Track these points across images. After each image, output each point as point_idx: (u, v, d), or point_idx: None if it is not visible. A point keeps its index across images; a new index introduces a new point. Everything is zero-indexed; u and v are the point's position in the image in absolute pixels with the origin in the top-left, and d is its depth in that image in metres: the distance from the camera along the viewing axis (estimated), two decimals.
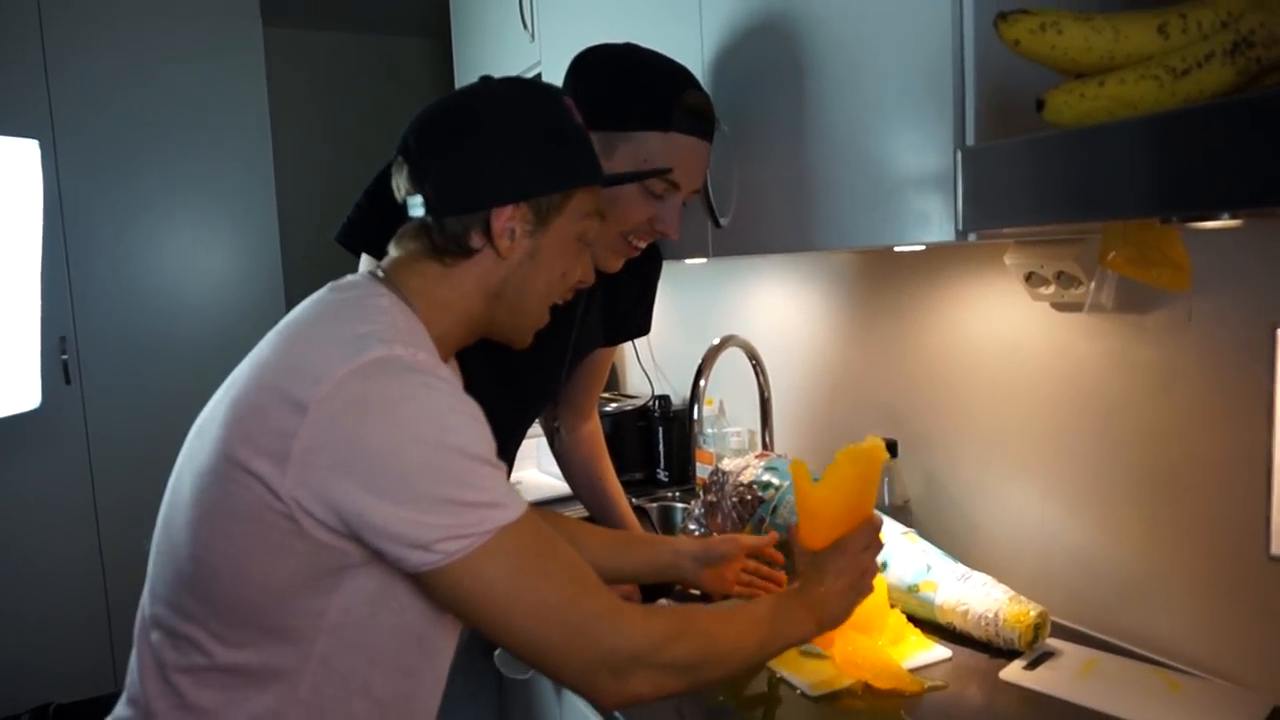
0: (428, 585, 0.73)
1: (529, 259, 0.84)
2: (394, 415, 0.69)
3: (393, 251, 0.86)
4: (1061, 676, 1.01)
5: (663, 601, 1.28)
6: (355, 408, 0.69)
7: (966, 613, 1.09)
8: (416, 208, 0.82)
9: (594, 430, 1.51)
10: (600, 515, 1.47)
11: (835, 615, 0.91)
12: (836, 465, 0.93)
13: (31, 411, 1.71)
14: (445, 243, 0.82)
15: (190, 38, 2.80)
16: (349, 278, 0.85)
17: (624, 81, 1.10)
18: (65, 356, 2.65)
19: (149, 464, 2.78)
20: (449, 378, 0.74)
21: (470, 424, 0.73)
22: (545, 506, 1.57)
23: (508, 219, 0.82)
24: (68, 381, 2.66)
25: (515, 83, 0.87)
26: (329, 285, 0.84)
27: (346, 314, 0.77)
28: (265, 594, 0.73)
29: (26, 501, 2.63)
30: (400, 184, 0.84)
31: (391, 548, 0.70)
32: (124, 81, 2.71)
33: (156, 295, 2.79)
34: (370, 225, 1.12)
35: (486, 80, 0.87)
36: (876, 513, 0.96)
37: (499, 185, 0.81)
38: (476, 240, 0.82)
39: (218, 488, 0.73)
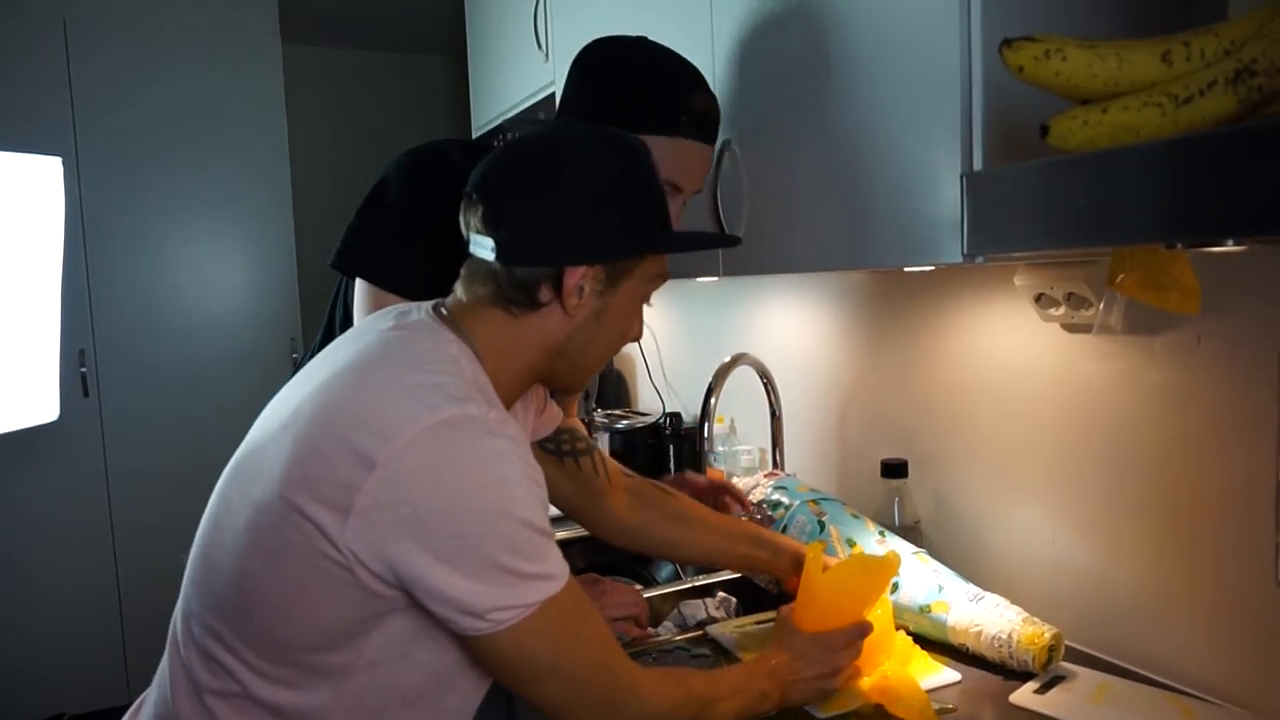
0: (470, 646, 0.74)
1: (594, 318, 0.83)
2: (462, 480, 0.69)
3: (459, 292, 0.85)
4: (1074, 701, 1.00)
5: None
6: (424, 469, 0.68)
7: (979, 634, 1.08)
8: (485, 250, 0.80)
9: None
10: None
11: (796, 700, 0.96)
12: (848, 563, 1.01)
13: (50, 423, 1.74)
14: (513, 292, 0.81)
15: (211, 56, 2.85)
16: (414, 314, 0.84)
17: (632, 85, 1.10)
18: (84, 369, 2.69)
19: (165, 476, 2.81)
20: (518, 437, 0.74)
21: (534, 492, 0.73)
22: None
23: (580, 277, 0.80)
24: (86, 394, 2.69)
25: (604, 136, 0.84)
26: (395, 316, 0.83)
27: (416, 360, 0.76)
28: (307, 633, 0.73)
29: (43, 512, 2.66)
30: (471, 221, 0.82)
31: (443, 609, 0.71)
32: (145, 99, 2.76)
33: (174, 309, 2.83)
34: (364, 248, 1.11)
35: (572, 125, 0.86)
36: (869, 620, 1.01)
37: (575, 243, 0.80)
38: (545, 294, 0.81)
39: (272, 526, 0.72)
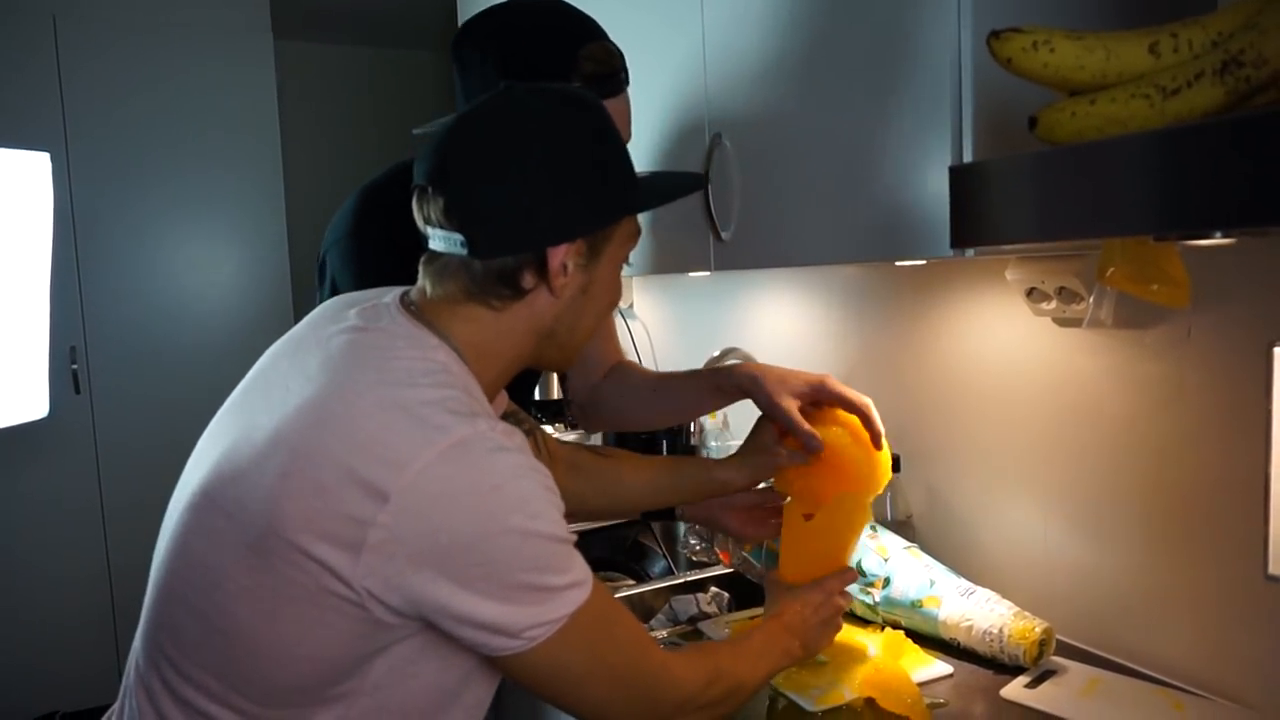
0: (501, 665, 0.72)
1: (581, 294, 0.79)
2: (482, 505, 0.66)
3: (429, 289, 0.78)
4: (1064, 695, 1.00)
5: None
6: (443, 498, 0.65)
7: (970, 628, 1.08)
8: (452, 245, 0.74)
9: (628, 364, 1.32)
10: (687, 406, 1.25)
11: (815, 646, 0.97)
12: (828, 508, 1.01)
13: (40, 420, 1.73)
14: (494, 285, 0.75)
15: (202, 51, 2.84)
16: (385, 316, 0.76)
17: (515, 65, 1.00)
18: (75, 366, 2.67)
19: (157, 473, 2.79)
20: (524, 446, 0.70)
21: (552, 502, 0.70)
22: None
23: (564, 255, 0.75)
24: (77, 391, 2.68)
25: (556, 98, 0.77)
26: (358, 315, 0.76)
27: (407, 373, 0.70)
28: (310, 672, 0.70)
29: (35, 509, 2.64)
30: (431, 215, 0.75)
31: (473, 634, 0.68)
32: (136, 94, 2.75)
33: (166, 306, 2.82)
34: None
35: (515, 92, 0.77)
36: (851, 567, 1.03)
37: (555, 222, 0.74)
38: (529, 280, 0.75)
39: (268, 568, 0.67)
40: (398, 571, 0.65)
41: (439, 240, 0.76)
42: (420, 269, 0.79)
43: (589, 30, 1.04)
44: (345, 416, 0.67)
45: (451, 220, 0.74)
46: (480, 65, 1.04)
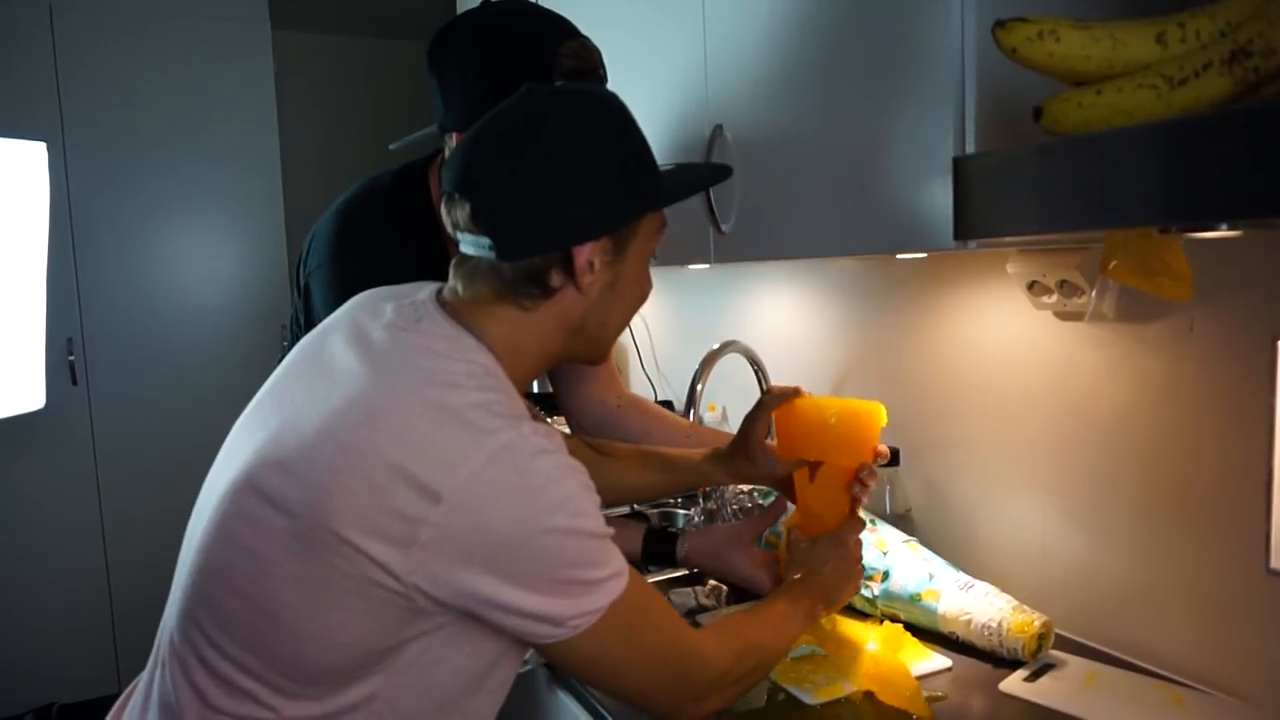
0: (544, 651, 0.75)
1: (609, 289, 0.81)
2: (529, 506, 0.69)
3: (460, 290, 0.80)
4: (1063, 688, 1.00)
5: None
6: (492, 498, 0.68)
7: (969, 622, 1.08)
8: (481, 249, 0.77)
9: (627, 396, 1.35)
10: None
11: (837, 601, 1.02)
12: (820, 472, 1.06)
13: (37, 412, 1.72)
14: (523, 285, 0.77)
15: (199, 41, 2.82)
16: (425, 317, 0.78)
17: (495, 73, 0.99)
18: (72, 358, 2.67)
19: (155, 465, 2.80)
20: (561, 447, 0.73)
21: (591, 499, 0.73)
22: None
23: (589, 253, 0.77)
24: (74, 383, 2.68)
25: (576, 99, 0.80)
26: (394, 311, 0.78)
27: (452, 375, 0.73)
28: (348, 656, 0.72)
29: (31, 501, 2.64)
30: (459, 220, 0.78)
31: (518, 623, 0.71)
32: (133, 84, 2.74)
33: (163, 298, 2.81)
34: None
35: (537, 93, 0.80)
36: (860, 516, 1.07)
37: (579, 221, 0.77)
38: (556, 279, 0.78)
39: (316, 558, 0.69)
40: (447, 567, 0.68)
41: (468, 244, 0.78)
42: (451, 271, 0.82)
43: (565, 29, 1.04)
44: (396, 416, 0.69)
45: (478, 225, 0.76)
46: (459, 71, 1.03)
